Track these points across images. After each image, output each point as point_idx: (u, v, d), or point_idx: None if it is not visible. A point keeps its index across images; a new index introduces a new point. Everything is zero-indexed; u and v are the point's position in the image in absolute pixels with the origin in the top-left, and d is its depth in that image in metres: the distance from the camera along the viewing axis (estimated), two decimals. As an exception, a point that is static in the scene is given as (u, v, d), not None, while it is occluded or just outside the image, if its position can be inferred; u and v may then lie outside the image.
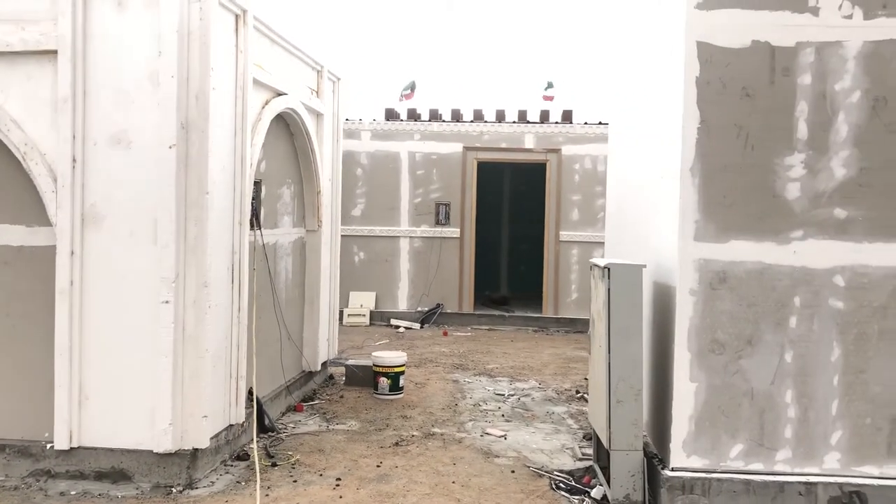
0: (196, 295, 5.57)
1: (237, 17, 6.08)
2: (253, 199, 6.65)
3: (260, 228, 6.93)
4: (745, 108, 5.22)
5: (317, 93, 8.37)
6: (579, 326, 13.95)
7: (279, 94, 7.11)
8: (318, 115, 8.44)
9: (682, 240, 5.26)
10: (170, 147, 5.46)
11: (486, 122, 14.67)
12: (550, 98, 15.86)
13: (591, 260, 6.14)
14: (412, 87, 15.88)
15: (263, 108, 6.78)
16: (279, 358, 7.65)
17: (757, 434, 5.25)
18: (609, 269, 5.38)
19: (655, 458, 5.61)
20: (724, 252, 5.25)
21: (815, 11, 5.16)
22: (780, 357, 5.24)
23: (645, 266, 5.51)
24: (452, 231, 14.57)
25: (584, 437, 7.04)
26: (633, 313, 5.36)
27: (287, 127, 7.88)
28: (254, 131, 6.51)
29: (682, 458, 5.26)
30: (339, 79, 9.04)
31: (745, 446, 5.25)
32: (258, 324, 6.84)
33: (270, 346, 7.44)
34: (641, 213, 6.71)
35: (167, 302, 5.48)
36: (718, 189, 5.24)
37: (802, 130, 5.20)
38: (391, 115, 15.23)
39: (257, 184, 6.96)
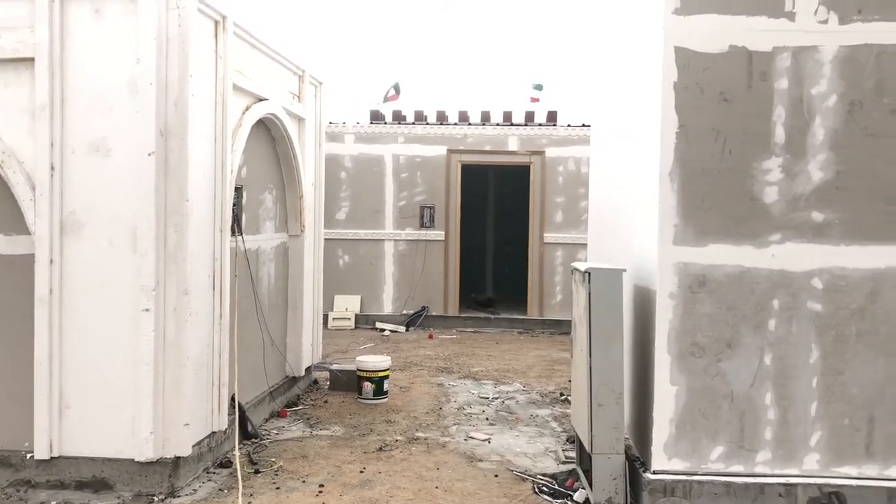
0: (177, 303, 5.55)
1: (216, 23, 6.07)
2: (234, 205, 6.63)
3: (241, 234, 6.91)
4: (722, 112, 5.26)
5: (298, 97, 8.36)
6: (564, 328, 14.00)
7: (260, 100, 7.10)
8: (299, 120, 8.43)
9: (661, 244, 5.29)
10: (149, 154, 5.44)
11: (470, 124, 14.70)
12: (536, 99, 15.90)
13: (572, 264, 6.17)
14: (396, 88, 15.88)
15: (244, 113, 6.77)
16: (262, 364, 7.64)
17: (737, 436, 5.29)
18: (589, 274, 5.40)
19: (637, 461, 5.64)
20: (704, 256, 5.29)
21: (791, 17, 5.21)
22: (759, 359, 5.28)
23: (625, 270, 5.55)
24: (437, 233, 14.58)
25: (567, 440, 7.07)
26: (614, 317, 5.38)
27: (268, 132, 7.86)
28: (234, 137, 6.50)
29: (664, 461, 5.30)
30: (321, 83, 9.03)
31: (726, 448, 5.29)
32: (241, 330, 6.83)
33: (253, 352, 7.43)
34: (622, 215, 6.75)
35: (147, 310, 5.45)
36: (697, 193, 5.28)
37: (780, 134, 5.24)
38: (376, 116, 15.22)
39: (238, 190, 6.94)
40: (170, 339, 5.55)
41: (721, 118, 5.26)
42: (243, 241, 6.94)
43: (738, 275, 5.28)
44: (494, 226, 18.38)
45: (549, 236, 14.48)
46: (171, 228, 5.55)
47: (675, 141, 5.29)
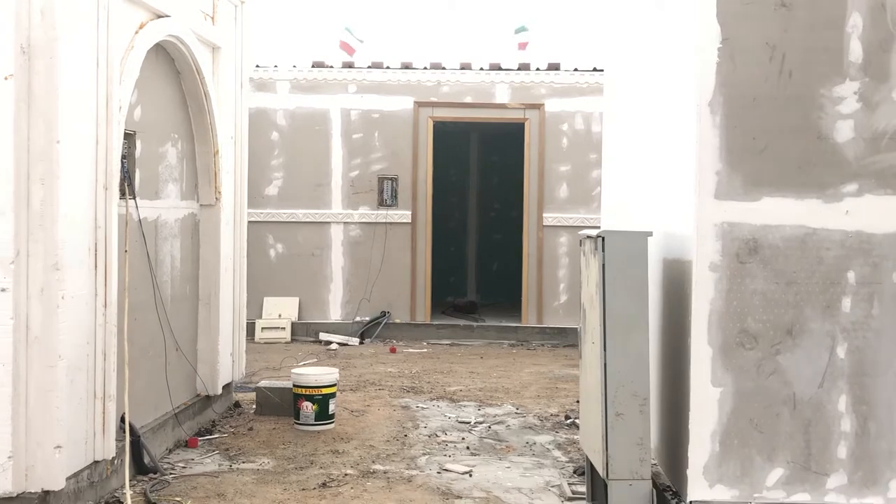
0: (44, 281, 5.44)
1: None
2: (124, 156, 6.52)
3: (134, 197, 6.79)
4: (780, 21, 5.26)
5: (212, 18, 8.26)
6: (570, 338, 13.98)
7: (159, 17, 6.99)
8: (214, 49, 8.32)
9: (699, 197, 5.26)
10: (5, 78, 5.34)
11: (444, 69, 14.65)
12: (524, 45, 15.84)
13: (580, 232, 6.12)
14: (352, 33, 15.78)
15: (137, 33, 6.66)
16: (164, 376, 7.52)
17: (801, 454, 5.28)
18: (603, 239, 5.36)
19: (668, 490, 5.62)
20: (755, 213, 5.27)
21: None
22: (830, 351, 5.27)
23: (651, 234, 5.50)
24: (401, 214, 14.52)
25: (574, 472, 7.03)
26: (637, 296, 5.35)
27: (172, 63, 7.75)
28: (123, 64, 6.39)
29: (704, 489, 5.28)
30: (243, 1, 8.93)
31: (787, 470, 5.28)
32: (133, 327, 6.71)
33: (152, 358, 7.31)
34: (646, 177, 6.72)
35: (4, 290, 5.34)
36: (747, 129, 5.26)
37: (856, 51, 5.25)
38: (318, 62, 15.11)
39: (130, 136, 6.83)
40: (35, 330, 5.43)
41: (778, 30, 5.26)
42: (136, 207, 6.82)
43: (801, 238, 5.27)
44: (478, 205, 18.32)
45: (551, 217, 14.46)
46: (37, 181, 5.43)
47: (716, 60, 5.27)
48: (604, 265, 5.34)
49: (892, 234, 5.25)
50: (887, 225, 5.25)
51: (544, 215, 14.49)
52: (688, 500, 5.27)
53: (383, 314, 14.51)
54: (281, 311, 14.48)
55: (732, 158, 5.26)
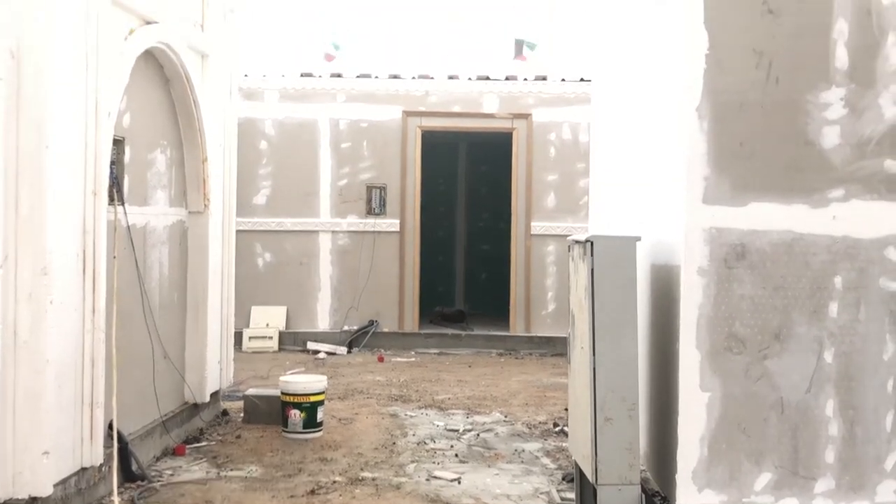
0: (32, 286, 5.42)
1: (88, -89, 5.96)
2: (112, 162, 6.50)
3: (123, 203, 6.77)
4: (767, 28, 5.30)
5: (201, 25, 8.25)
6: (558, 347, 13.99)
7: (148, 23, 6.98)
8: (203, 56, 8.31)
9: (688, 202, 5.29)
10: (-6, 82, 5.33)
11: (432, 78, 14.67)
12: (524, 58, 15.99)
13: (569, 237, 6.13)
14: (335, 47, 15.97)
15: (126, 39, 6.65)
16: (152, 383, 7.49)
17: (789, 459, 5.30)
18: (592, 244, 5.37)
19: (657, 495, 5.62)
20: (743, 218, 5.30)
21: None
22: (817, 356, 5.30)
23: (639, 238, 5.52)
24: (390, 223, 14.51)
25: (563, 479, 7.03)
26: (626, 301, 5.35)
27: (161, 70, 7.74)
28: (112, 70, 6.38)
29: (692, 493, 5.29)
30: (232, 10, 8.93)
31: (775, 475, 5.30)
32: (122, 334, 6.68)
33: (140, 366, 7.27)
34: (634, 185, 6.75)
35: (-9, 295, 5.33)
36: (734, 135, 5.29)
37: (842, 58, 5.29)
38: (306, 72, 15.13)
39: (119, 143, 6.82)
40: (22, 334, 5.42)
41: (765, 36, 5.30)
42: (125, 213, 6.80)
43: (789, 243, 5.30)
44: (467, 215, 18.35)
45: (539, 226, 14.47)
46: (26, 185, 5.43)
47: (704, 66, 5.30)
48: (593, 270, 5.35)
49: (878, 238, 5.28)
50: (874, 230, 5.29)
51: (532, 224, 14.49)
52: (676, 505, 5.29)
53: (371, 323, 14.48)
54: (268, 320, 14.44)
55: (720, 163, 5.29)
